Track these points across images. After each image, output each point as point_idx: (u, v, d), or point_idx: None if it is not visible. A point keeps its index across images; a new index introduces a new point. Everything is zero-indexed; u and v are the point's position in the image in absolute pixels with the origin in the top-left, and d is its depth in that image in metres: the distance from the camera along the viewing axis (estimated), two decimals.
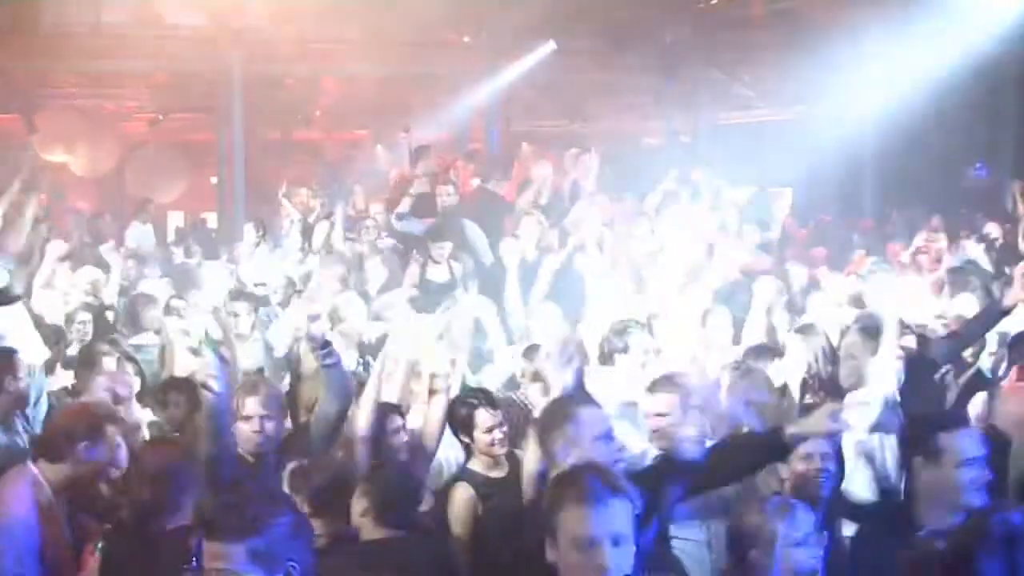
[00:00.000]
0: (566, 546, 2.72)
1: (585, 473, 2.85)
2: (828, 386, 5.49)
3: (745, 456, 3.83)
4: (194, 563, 2.62)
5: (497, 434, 4.64)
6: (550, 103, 18.21)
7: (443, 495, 4.56)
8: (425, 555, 3.85)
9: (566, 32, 14.19)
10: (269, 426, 4.44)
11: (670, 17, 14.34)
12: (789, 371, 5.69)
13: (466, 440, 4.72)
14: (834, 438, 4.16)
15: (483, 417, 4.65)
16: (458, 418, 4.69)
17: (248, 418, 4.41)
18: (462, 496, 4.49)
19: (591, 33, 14.57)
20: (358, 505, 3.89)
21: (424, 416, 4.67)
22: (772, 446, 3.74)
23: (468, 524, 4.41)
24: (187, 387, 5.23)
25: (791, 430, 3.70)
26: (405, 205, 9.60)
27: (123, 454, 4.26)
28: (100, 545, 3.92)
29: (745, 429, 4.51)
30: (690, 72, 15.35)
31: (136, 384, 5.57)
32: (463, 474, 4.65)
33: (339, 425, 4.58)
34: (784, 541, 3.28)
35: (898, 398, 5.19)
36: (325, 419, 4.59)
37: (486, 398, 4.79)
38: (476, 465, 4.67)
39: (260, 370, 6.58)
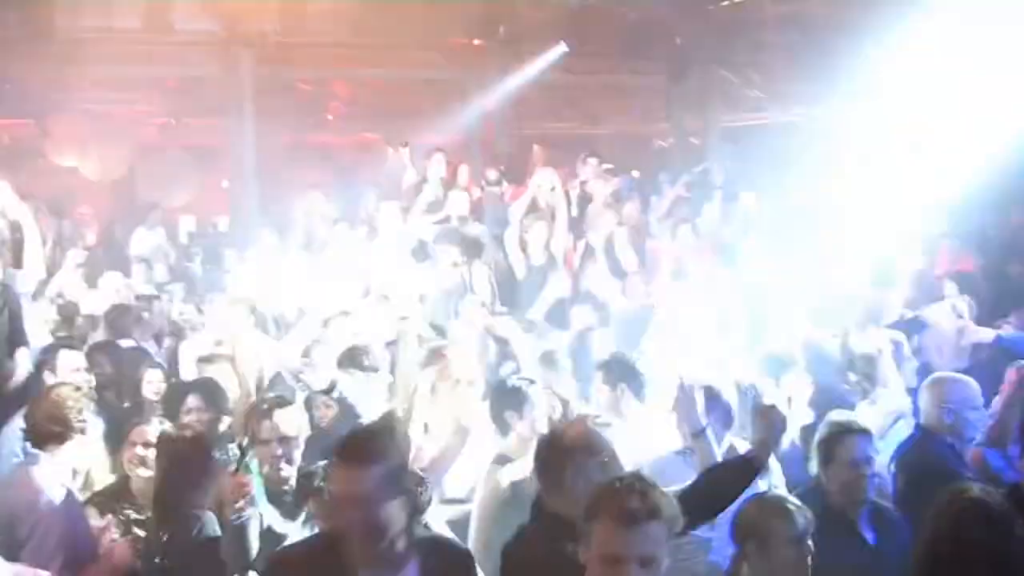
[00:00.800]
0: (595, 556, 2.73)
1: (626, 491, 2.77)
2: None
3: (723, 488, 3.68)
4: None
5: None
6: (561, 106, 18.20)
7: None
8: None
9: (577, 35, 14.18)
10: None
11: (680, 19, 14.33)
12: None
13: None
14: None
15: None
16: None
17: (266, 442, 4.42)
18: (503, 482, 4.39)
19: (602, 36, 14.56)
20: None
21: None
22: (747, 472, 3.68)
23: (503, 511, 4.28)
24: (206, 392, 5.29)
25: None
26: (416, 209, 9.60)
27: None
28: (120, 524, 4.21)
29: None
30: (700, 74, 15.35)
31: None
32: (502, 460, 4.52)
33: None
34: (778, 538, 3.36)
35: None
36: None
37: None
38: (512, 452, 4.55)
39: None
